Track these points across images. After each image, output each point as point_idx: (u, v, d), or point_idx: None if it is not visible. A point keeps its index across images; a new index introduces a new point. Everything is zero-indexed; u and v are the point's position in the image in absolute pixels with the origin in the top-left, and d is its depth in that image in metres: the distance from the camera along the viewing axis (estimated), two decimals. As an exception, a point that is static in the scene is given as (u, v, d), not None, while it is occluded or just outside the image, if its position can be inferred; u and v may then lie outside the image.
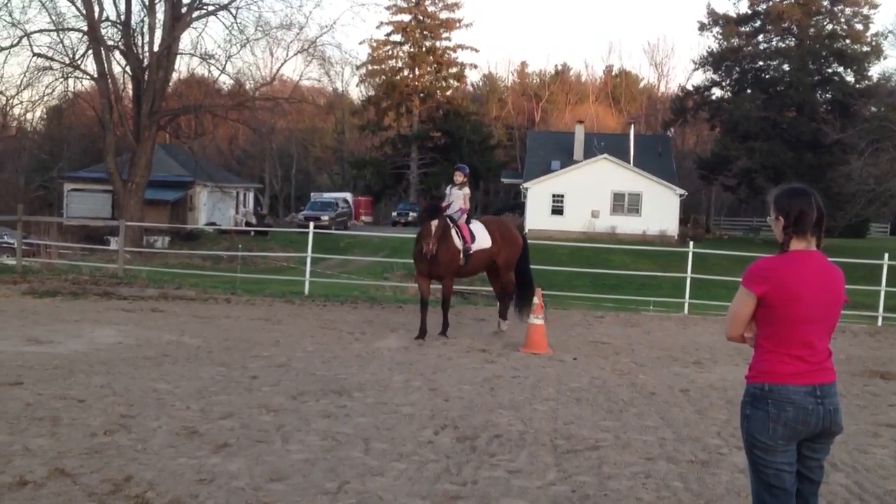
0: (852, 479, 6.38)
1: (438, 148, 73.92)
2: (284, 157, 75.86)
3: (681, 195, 52.35)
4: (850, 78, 58.18)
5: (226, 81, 47.03)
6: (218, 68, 40.15)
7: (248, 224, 50.92)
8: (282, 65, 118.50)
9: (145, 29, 37.49)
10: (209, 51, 63.29)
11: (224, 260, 30.09)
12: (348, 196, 63.87)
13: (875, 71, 58.12)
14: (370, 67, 76.46)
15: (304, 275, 18.79)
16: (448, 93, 76.45)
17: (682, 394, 9.35)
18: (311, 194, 65.81)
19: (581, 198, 51.17)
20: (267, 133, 50.83)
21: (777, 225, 3.96)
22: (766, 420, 3.81)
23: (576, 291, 21.33)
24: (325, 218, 48.65)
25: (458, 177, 13.34)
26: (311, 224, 20.56)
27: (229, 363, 9.92)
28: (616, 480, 6.10)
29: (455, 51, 75.97)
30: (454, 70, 76.51)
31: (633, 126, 59.88)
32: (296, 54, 44.81)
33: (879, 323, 17.70)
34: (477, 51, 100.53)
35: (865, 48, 57.92)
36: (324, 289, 19.45)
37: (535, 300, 11.97)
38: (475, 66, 79.30)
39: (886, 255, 17.88)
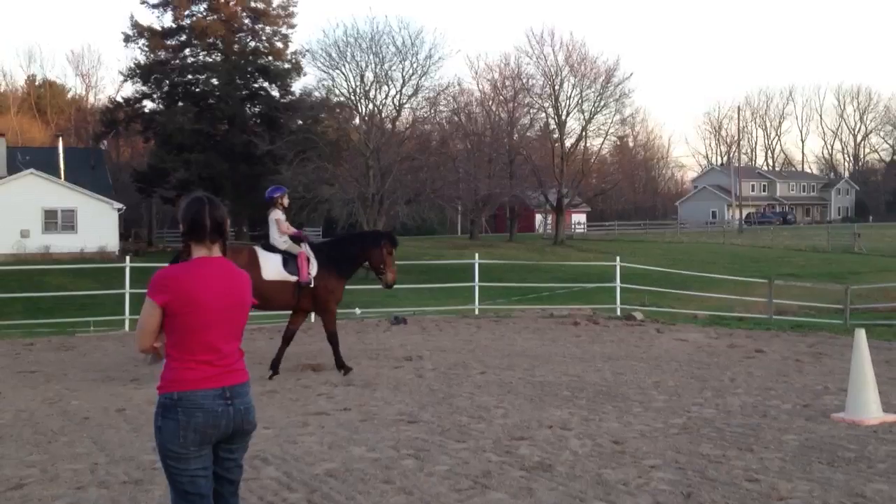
0: (282, 469, 6.66)
1: None
2: None
3: (119, 209, 50.86)
4: (275, 93, 61.67)
5: None
6: None
7: None
8: None
9: None
10: None
11: None
12: None
13: (297, 86, 62.25)
14: None
15: None
16: None
17: (117, 414, 8.97)
18: None
19: (7, 217, 46.70)
20: None
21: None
22: (177, 428, 3.77)
23: (6, 319, 19.44)
24: None
25: (287, 199, 12.24)
26: None
27: None
28: (40, 520, 5.58)
29: None
30: None
31: (61, 139, 56.66)
32: None
33: (312, 319, 19.01)
34: None
35: (287, 65, 61.90)
36: None
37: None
38: None
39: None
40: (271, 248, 11.72)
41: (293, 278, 11.48)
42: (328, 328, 11.78)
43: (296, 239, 11.79)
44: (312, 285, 11.55)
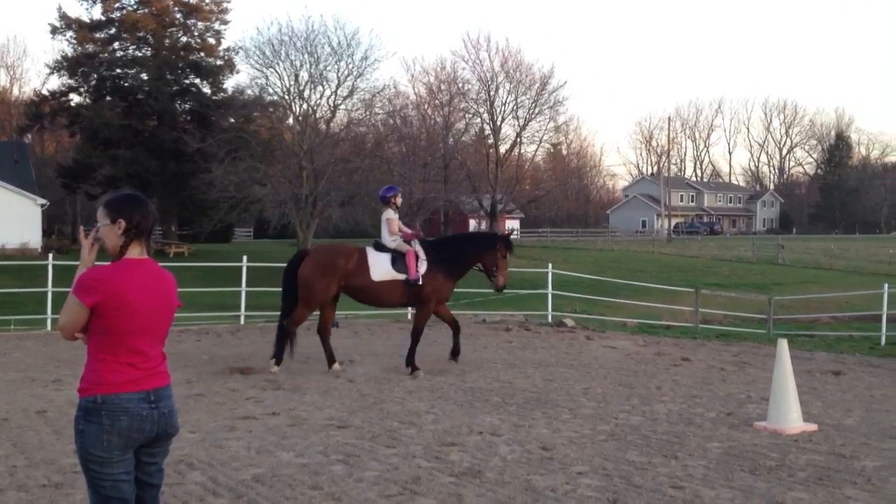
0: (208, 475, 6.54)
1: None
2: None
3: (42, 205, 49.61)
4: (207, 90, 60.53)
5: None
6: None
7: None
8: None
9: None
10: None
11: None
12: None
13: (230, 84, 61.17)
14: None
15: None
16: None
17: (38, 416, 8.73)
18: None
19: None
20: None
21: (113, 229, 3.88)
22: (101, 432, 3.69)
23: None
24: None
25: (399, 199, 12.41)
26: None
27: None
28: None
29: None
30: None
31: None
32: None
33: (242, 322, 18.77)
34: None
35: (219, 62, 60.94)
36: None
37: None
38: None
39: (245, 258, 19.01)
40: (382, 248, 11.98)
41: (402, 276, 11.75)
42: (417, 323, 12.14)
43: (407, 239, 12.03)
44: (421, 283, 11.77)
